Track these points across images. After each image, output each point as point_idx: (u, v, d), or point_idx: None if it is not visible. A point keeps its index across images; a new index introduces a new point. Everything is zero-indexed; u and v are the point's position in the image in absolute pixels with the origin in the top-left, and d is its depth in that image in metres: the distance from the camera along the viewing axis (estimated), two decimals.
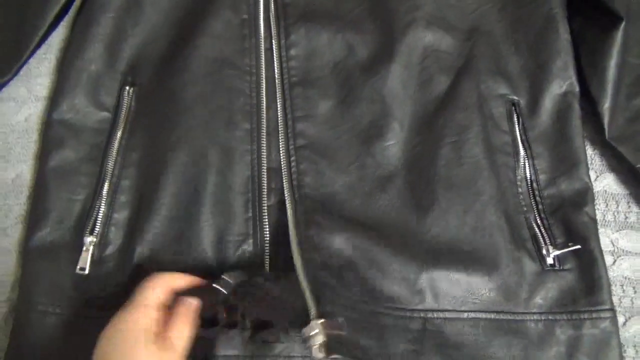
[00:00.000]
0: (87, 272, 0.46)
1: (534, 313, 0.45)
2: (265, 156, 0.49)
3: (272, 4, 0.53)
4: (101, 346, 0.36)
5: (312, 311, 0.39)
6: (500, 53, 0.53)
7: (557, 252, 0.47)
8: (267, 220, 0.48)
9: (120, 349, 0.36)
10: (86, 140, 0.50)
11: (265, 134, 0.50)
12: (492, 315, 0.45)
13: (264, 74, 0.52)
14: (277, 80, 0.52)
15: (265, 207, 0.48)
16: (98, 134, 0.50)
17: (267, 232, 0.47)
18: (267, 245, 0.47)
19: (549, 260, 0.47)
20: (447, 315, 0.44)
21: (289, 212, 0.46)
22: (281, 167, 0.49)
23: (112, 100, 0.51)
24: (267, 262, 0.47)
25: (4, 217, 0.51)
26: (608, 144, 0.51)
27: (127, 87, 0.51)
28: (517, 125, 0.51)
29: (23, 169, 0.52)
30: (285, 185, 0.48)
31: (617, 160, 0.52)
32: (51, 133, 0.50)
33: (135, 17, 0.53)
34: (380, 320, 0.43)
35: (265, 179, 0.49)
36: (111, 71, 0.51)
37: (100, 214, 0.47)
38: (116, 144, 0.49)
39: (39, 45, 0.52)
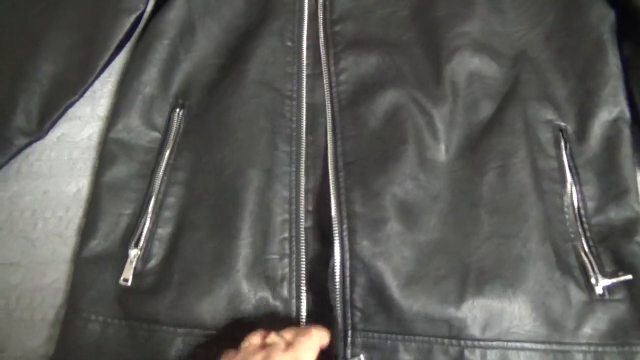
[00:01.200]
0: (129, 283, 0.48)
1: (583, 344, 0.43)
2: (303, 178, 0.51)
3: (322, 32, 0.56)
4: None
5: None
6: (547, 79, 0.53)
7: (607, 282, 0.46)
8: (304, 241, 0.48)
9: None
10: (137, 158, 0.53)
11: (304, 156, 0.51)
12: (539, 346, 0.43)
13: (304, 100, 0.54)
14: (327, 103, 0.53)
15: (303, 229, 0.49)
16: (148, 153, 0.53)
17: (304, 254, 0.48)
18: (303, 264, 0.48)
19: (598, 290, 0.45)
20: (490, 344, 0.43)
21: (336, 228, 0.47)
22: (323, 187, 0.50)
23: (162, 121, 0.54)
24: (304, 285, 0.47)
25: (64, 228, 0.54)
26: None
27: (178, 109, 0.54)
28: (564, 151, 0.50)
29: (84, 183, 0.55)
30: (333, 201, 0.48)
31: None
32: (106, 150, 0.53)
33: (188, 44, 0.56)
34: (418, 346, 0.43)
35: (303, 201, 0.50)
36: (163, 94, 0.55)
37: (145, 229, 0.49)
38: (164, 163, 0.52)
39: (104, 69, 0.56)
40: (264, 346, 0.40)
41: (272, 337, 0.41)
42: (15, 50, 0.55)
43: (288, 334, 0.41)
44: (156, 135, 0.54)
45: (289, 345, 0.40)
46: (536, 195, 0.47)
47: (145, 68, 0.54)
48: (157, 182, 0.51)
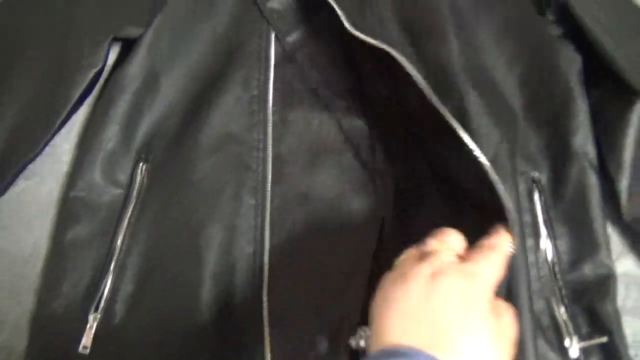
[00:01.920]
0: (88, 351, 0.46)
1: None
2: (268, 233, 0.49)
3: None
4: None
5: None
6: (520, 129, 0.52)
7: (583, 344, 0.44)
8: (266, 299, 0.47)
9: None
10: (99, 217, 0.51)
11: (269, 209, 0.50)
12: None
13: (270, 149, 0.53)
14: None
15: (266, 285, 0.48)
16: (110, 211, 0.52)
17: (267, 314, 0.47)
18: (267, 328, 0.46)
19: (573, 354, 0.44)
20: None
21: None
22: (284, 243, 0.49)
23: (125, 178, 0.53)
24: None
25: (19, 287, 0.52)
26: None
27: (141, 164, 0.53)
28: (538, 204, 0.50)
29: (41, 242, 0.54)
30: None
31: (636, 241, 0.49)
32: (67, 209, 0.52)
33: (152, 95, 0.55)
34: None
35: (267, 257, 0.49)
36: (126, 149, 0.54)
37: (106, 290, 0.48)
38: (126, 221, 0.51)
39: (63, 124, 0.55)
40: (422, 257, 0.32)
41: (433, 244, 0.33)
42: None
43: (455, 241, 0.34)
44: (119, 192, 0.52)
45: (461, 258, 0.32)
46: None
47: (107, 124, 0.54)
48: (119, 240, 0.50)
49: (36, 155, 0.54)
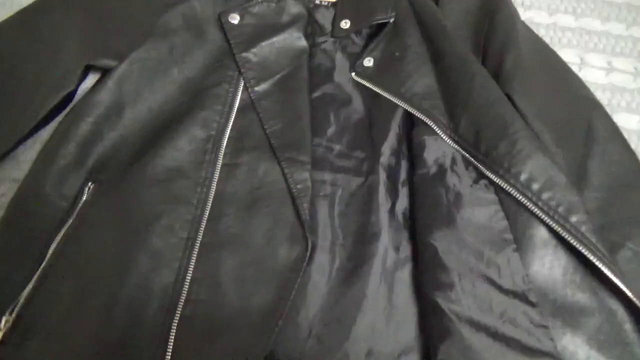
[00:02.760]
0: None
1: None
2: (192, 266, 0.51)
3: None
4: None
5: None
6: None
7: None
8: (174, 330, 0.48)
9: None
10: (39, 225, 0.53)
11: (199, 243, 0.52)
12: None
13: (214, 187, 0.55)
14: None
15: (178, 317, 0.49)
16: (50, 222, 0.53)
17: (171, 343, 0.48)
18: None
19: None
20: None
21: None
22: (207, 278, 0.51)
23: (72, 194, 0.55)
24: None
25: None
26: None
27: (89, 183, 0.55)
28: None
29: None
30: None
31: None
32: (9, 213, 0.53)
33: (113, 124, 0.58)
34: None
35: (187, 289, 0.50)
36: (79, 167, 0.56)
37: (24, 294, 0.49)
38: (62, 232, 0.52)
39: (28, 136, 0.59)
40: None
41: None
42: None
43: None
44: (63, 204, 0.54)
45: None
46: None
47: (66, 141, 0.56)
48: (50, 251, 0.51)
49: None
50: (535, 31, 0.66)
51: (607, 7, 0.71)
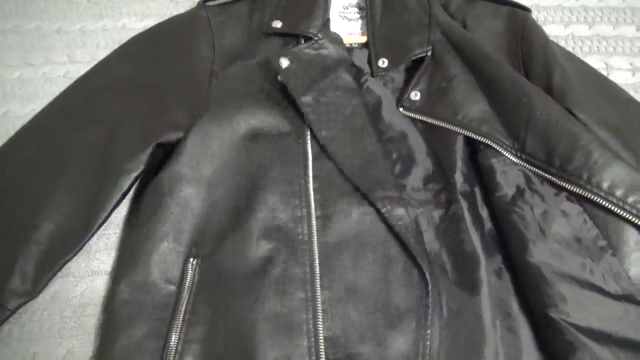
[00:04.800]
0: None
1: None
2: (321, 325, 0.50)
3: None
4: None
5: None
6: None
7: None
8: None
9: None
10: (152, 316, 0.51)
11: (320, 302, 0.51)
12: None
13: (316, 242, 0.54)
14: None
15: None
16: (163, 309, 0.52)
17: None
18: None
19: None
20: None
21: None
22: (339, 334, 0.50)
23: (177, 273, 0.53)
24: None
25: None
26: None
27: (192, 259, 0.54)
28: None
29: (74, 345, 0.54)
30: None
31: None
32: (118, 315, 0.51)
33: (198, 194, 0.57)
34: None
35: (323, 350, 0.49)
36: (177, 247, 0.55)
37: None
38: (180, 318, 0.51)
39: (101, 226, 0.57)
40: None
41: None
42: (17, 211, 0.56)
43: None
44: (171, 288, 0.53)
45: None
46: None
47: (158, 225, 0.55)
48: (174, 339, 0.50)
49: (74, 256, 0.56)
50: None
51: (615, 13, 0.76)
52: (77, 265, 0.58)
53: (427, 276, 0.51)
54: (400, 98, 0.66)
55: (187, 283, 0.53)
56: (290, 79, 0.61)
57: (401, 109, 0.66)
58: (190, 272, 0.53)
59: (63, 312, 0.56)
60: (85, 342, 0.54)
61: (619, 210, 0.53)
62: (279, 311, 0.50)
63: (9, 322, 0.54)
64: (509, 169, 0.58)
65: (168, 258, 0.54)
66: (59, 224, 0.55)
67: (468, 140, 0.62)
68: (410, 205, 0.60)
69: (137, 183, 0.59)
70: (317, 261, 0.53)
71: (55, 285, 0.57)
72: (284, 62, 0.63)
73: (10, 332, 0.55)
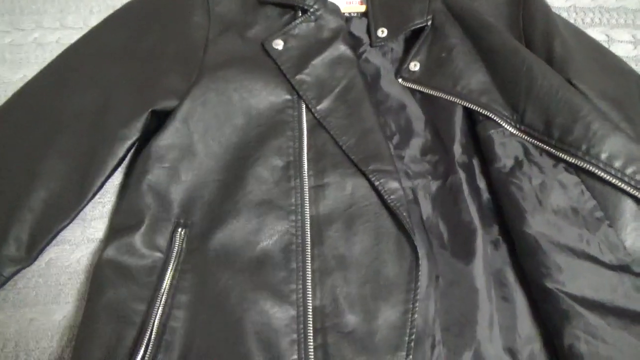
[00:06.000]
0: None
1: None
2: (310, 295, 0.50)
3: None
4: None
5: None
6: None
7: None
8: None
9: None
10: (138, 280, 0.51)
11: (310, 271, 0.51)
12: None
13: (307, 213, 0.54)
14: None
15: (312, 348, 0.48)
16: (150, 274, 0.52)
17: None
18: None
19: None
20: None
21: None
22: (327, 304, 0.50)
23: (164, 242, 0.53)
24: None
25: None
26: None
27: (180, 229, 0.54)
28: None
29: (69, 310, 0.54)
30: None
31: None
32: (104, 272, 0.51)
33: (190, 164, 0.57)
34: None
35: (311, 318, 0.49)
36: (165, 215, 0.55)
37: (146, 357, 0.47)
38: (166, 285, 0.51)
39: (96, 193, 0.56)
40: None
41: None
42: (10, 177, 0.55)
43: None
44: (158, 255, 0.53)
45: None
46: None
47: (145, 192, 0.55)
48: (158, 305, 0.50)
49: (69, 223, 0.55)
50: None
51: None
52: (73, 232, 0.58)
53: (418, 249, 0.51)
54: (400, 68, 0.66)
55: (175, 252, 0.53)
56: (285, 61, 0.62)
57: (400, 80, 0.65)
58: (178, 240, 0.53)
59: (59, 279, 0.56)
60: (81, 308, 0.54)
61: (617, 182, 0.53)
62: (268, 281, 0.50)
63: (5, 289, 0.54)
64: (507, 140, 0.58)
65: (156, 225, 0.54)
66: (53, 191, 0.55)
67: (467, 111, 0.61)
68: (408, 176, 0.60)
69: (132, 151, 0.59)
70: (308, 232, 0.53)
71: (51, 253, 0.57)
72: (279, 44, 0.63)
73: (6, 298, 0.55)
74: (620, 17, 0.73)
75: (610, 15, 0.73)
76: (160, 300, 0.50)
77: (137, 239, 0.53)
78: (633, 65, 0.67)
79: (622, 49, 0.70)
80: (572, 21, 0.72)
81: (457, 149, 0.60)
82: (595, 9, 0.74)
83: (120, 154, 0.56)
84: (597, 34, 0.71)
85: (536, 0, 0.66)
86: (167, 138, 0.57)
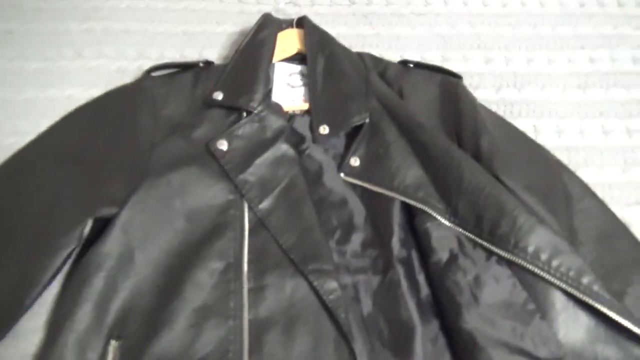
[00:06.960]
0: None
1: None
2: None
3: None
4: None
5: None
6: None
7: None
8: None
9: None
10: None
11: None
12: None
13: (247, 317, 0.54)
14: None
15: None
16: None
17: None
18: None
19: None
20: None
21: None
22: None
23: (96, 357, 0.52)
24: None
25: None
26: None
27: (113, 341, 0.53)
28: None
29: None
30: None
31: None
32: None
33: (127, 272, 0.57)
34: None
35: None
36: (98, 327, 0.54)
37: None
38: None
39: (31, 305, 0.56)
40: None
41: None
42: None
43: None
44: None
45: None
46: None
47: (81, 303, 0.54)
48: None
49: (2, 336, 0.54)
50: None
51: (542, 77, 0.82)
52: (7, 349, 0.56)
53: (356, 352, 0.51)
54: (341, 164, 0.68)
55: None
56: (228, 161, 0.64)
57: (342, 175, 0.68)
58: (110, 354, 0.52)
59: None
60: None
61: (544, 274, 0.55)
62: None
63: None
64: (443, 233, 0.60)
65: (87, 339, 0.53)
66: None
67: (405, 205, 0.64)
68: (350, 272, 0.61)
69: (72, 258, 0.58)
70: (246, 338, 0.53)
71: None
72: (223, 145, 0.65)
73: None
74: (545, 108, 0.79)
75: (535, 107, 0.79)
76: None
77: (68, 354, 0.52)
78: (558, 154, 0.71)
79: (548, 138, 0.75)
80: (501, 113, 0.77)
81: (396, 244, 0.61)
82: (522, 101, 0.80)
83: (58, 263, 0.56)
84: (524, 124, 0.76)
85: (464, 98, 0.71)
86: (106, 246, 0.57)
